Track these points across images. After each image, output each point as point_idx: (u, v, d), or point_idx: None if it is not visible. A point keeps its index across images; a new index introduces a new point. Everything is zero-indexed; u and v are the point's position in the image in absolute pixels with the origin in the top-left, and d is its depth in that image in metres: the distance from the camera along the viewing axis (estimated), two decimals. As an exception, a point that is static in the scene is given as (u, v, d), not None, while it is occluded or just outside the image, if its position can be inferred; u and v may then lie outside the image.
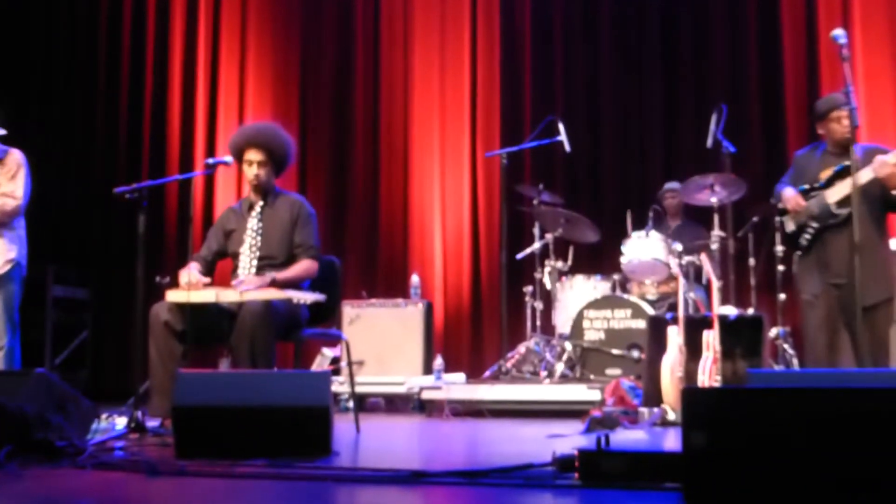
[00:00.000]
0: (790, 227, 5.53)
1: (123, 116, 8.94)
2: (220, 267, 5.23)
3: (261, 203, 5.10)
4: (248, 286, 4.62)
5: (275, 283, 4.71)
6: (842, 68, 4.64)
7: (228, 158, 5.09)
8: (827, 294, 5.34)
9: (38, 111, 9.03)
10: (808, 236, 5.41)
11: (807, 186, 5.46)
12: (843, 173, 5.21)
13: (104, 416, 4.76)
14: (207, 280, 4.93)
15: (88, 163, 8.92)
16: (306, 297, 4.56)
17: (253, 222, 5.05)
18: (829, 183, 5.34)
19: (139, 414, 4.48)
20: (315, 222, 5.13)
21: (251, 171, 5.06)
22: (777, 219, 5.89)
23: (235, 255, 5.03)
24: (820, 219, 5.35)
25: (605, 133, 8.11)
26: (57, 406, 3.59)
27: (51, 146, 8.91)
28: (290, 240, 5.02)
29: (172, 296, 4.65)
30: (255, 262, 4.96)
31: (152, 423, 4.58)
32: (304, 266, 4.95)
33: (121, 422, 4.80)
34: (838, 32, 4.72)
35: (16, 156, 5.53)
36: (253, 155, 5.04)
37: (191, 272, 4.75)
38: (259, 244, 4.99)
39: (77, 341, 8.36)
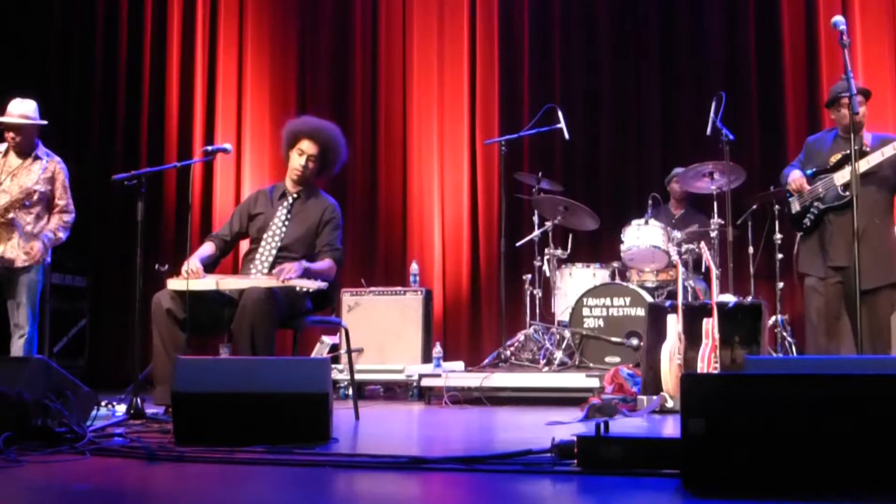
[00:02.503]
0: (795, 207, 5.53)
1: (121, 103, 8.91)
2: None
3: (294, 195, 5.09)
4: (289, 274, 4.59)
5: (308, 273, 4.71)
6: (841, 55, 4.63)
7: (228, 146, 5.07)
8: (829, 280, 5.34)
9: (36, 98, 8.98)
10: (811, 217, 5.42)
11: (815, 170, 5.47)
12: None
13: (103, 403, 4.77)
14: (215, 252, 4.98)
15: (86, 149, 8.88)
16: (309, 284, 4.56)
17: (282, 212, 5.04)
18: (838, 166, 5.35)
19: (138, 400, 4.48)
20: (342, 226, 5.14)
21: (299, 161, 5.04)
22: (776, 206, 5.90)
23: (257, 240, 5.02)
24: (826, 200, 5.35)
25: (604, 121, 8.09)
26: (56, 392, 3.60)
27: (48, 133, 8.87)
28: (313, 239, 5.01)
29: (173, 284, 4.64)
30: (273, 252, 4.94)
31: (152, 409, 4.58)
32: (328, 264, 4.94)
33: (120, 409, 4.81)
34: (838, 19, 4.71)
35: (61, 166, 5.82)
36: (307, 146, 5.05)
37: (190, 261, 4.74)
38: (283, 235, 4.98)
39: (76, 329, 8.36)
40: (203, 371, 3.73)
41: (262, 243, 4.97)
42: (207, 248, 5.02)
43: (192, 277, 4.63)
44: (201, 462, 3.20)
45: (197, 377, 3.69)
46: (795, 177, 5.50)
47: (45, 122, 5.80)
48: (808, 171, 5.51)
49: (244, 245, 5.32)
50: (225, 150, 5.05)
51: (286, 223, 5.01)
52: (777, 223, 6.28)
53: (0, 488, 2.75)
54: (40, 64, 9.08)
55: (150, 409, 4.56)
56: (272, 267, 4.85)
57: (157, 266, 4.84)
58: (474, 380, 6.05)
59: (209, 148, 5.08)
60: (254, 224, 5.07)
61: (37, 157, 5.76)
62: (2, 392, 3.39)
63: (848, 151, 5.30)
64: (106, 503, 2.58)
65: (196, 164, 7.30)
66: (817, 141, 5.67)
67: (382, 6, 8.64)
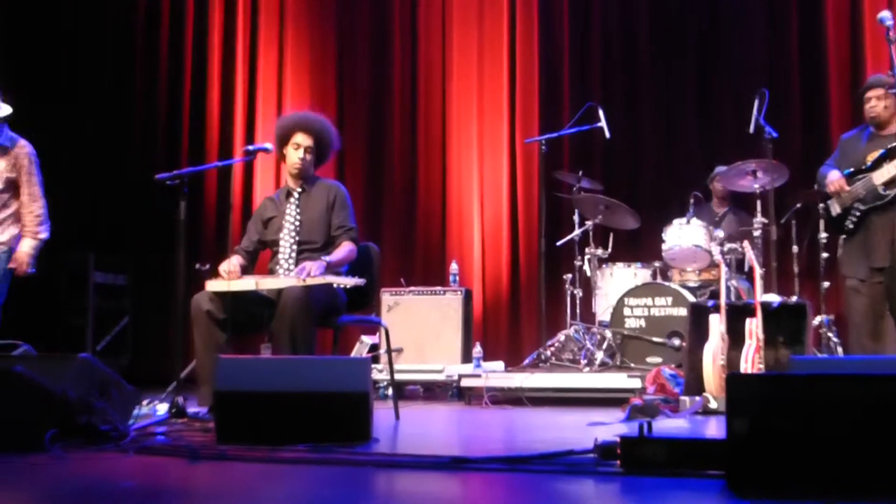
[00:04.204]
0: (836, 209, 5.46)
1: (163, 103, 9.00)
2: (261, 256, 5.25)
3: (298, 190, 5.10)
4: (314, 272, 4.58)
5: (329, 267, 4.71)
6: (888, 51, 4.57)
7: (268, 145, 5.09)
8: (871, 280, 5.27)
9: (81, 99, 9.10)
10: (853, 219, 5.34)
11: (852, 169, 5.39)
12: (889, 155, 5.14)
13: (145, 401, 4.80)
14: (244, 263, 4.95)
15: (128, 149, 8.98)
16: (347, 281, 4.56)
17: (291, 209, 5.05)
18: (876, 165, 5.27)
19: (180, 399, 4.50)
20: (351, 204, 5.15)
21: (297, 154, 5.04)
22: (821, 204, 5.82)
23: (275, 243, 5.04)
24: (866, 201, 5.28)
25: (645, 119, 8.04)
26: (100, 390, 3.62)
27: (91, 133, 8.99)
28: (328, 223, 5.02)
29: (212, 285, 4.66)
30: (295, 248, 4.97)
31: (194, 408, 4.60)
32: (347, 249, 4.95)
33: (162, 407, 4.84)
34: (885, 14, 4.65)
35: (27, 150, 5.45)
36: (302, 139, 5.05)
37: (229, 261, 4.77)
38: (299, 230, 5.00)
39: (118, 327, 8.44)
40: (244, 370, 3.74)
41: (282, 243, 4.99)
42: (236, 258, 5.03)
43: (231, 277, 4.65)
44: (243, 461, 3.21)
45: (238, 376, 3.70)
46: (834, 178, 5.42)
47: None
48: (845, 171, 5.43)
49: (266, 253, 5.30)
50: (266, 150, 5.08)
51: (298, 217, 5.03)
52: (822, 222, 6.20)
53: (46, 485, 2.78)
54: (82, 64, 9.17)
55: (192, 409, 4.57)
56: (297, 263, 4.86)
57: (197, 265, 4.86)
58: (514, 380, 6.03)
59: (250, 147, 5.11)
60: (269, 229, 5.09)
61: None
62: (47, 390, 3.42)
63: (884, 149, 5.22)
64: (150, 500, 2.60)
65: (237, 163, 7.34)
66: (852, 139, 5.59)
67: (422, 4, 8.64)
